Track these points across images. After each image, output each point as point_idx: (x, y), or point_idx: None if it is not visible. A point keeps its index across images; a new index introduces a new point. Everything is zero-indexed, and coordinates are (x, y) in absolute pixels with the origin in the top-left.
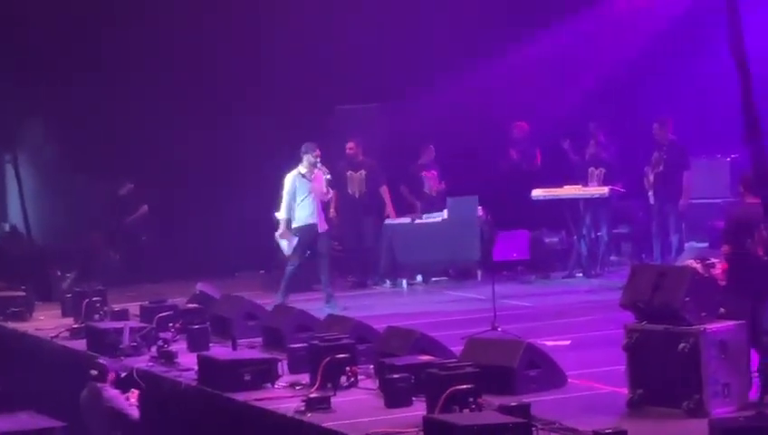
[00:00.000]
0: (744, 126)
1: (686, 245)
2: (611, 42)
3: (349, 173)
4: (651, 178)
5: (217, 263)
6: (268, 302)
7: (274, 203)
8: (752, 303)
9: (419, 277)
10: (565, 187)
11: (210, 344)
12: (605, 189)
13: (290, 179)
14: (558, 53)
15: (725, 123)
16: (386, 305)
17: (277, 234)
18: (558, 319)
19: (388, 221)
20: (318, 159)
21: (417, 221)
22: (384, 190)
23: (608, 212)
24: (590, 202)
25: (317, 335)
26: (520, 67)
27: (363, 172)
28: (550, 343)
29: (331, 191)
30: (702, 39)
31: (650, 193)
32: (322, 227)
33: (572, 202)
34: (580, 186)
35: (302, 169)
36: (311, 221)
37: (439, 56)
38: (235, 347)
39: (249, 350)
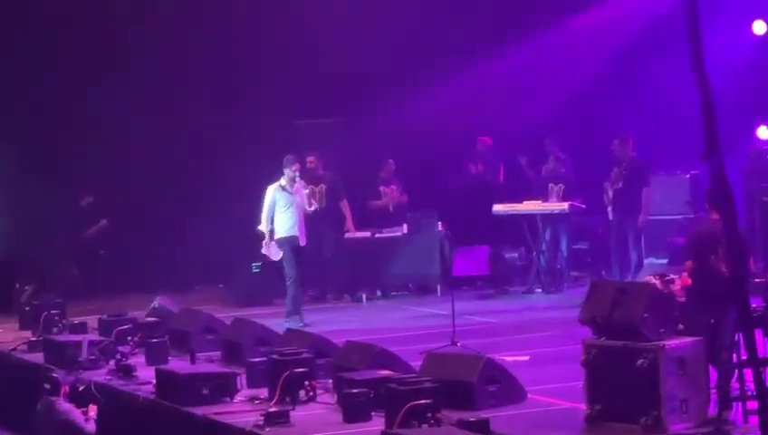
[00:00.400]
0: (704, 142)
1: (646, 261)
2: (571, 58)
3: (309, 187)
4: (610, 193)
5: (176, 276)
6: (227, 315)
7: (235, 216)
8: (713, 319)
9: (379, 292)
10: (525, 202)
11: (169, 358)
12: (565, 205)
13: (270, 192)
14: (519, 69)
15: (685, 139)
16: (345, 320)
17: (264, 244)
18: (517, 334)
19: (347, 235)
20: (297, 174)
21: (377, 235)
22: (344, 205)
23: (567, 228)
24: (550, 218)
25: (276, 349)
26: (481, 82)
27: (323, 186)
28: (509, 359)
29: (314, 204)
30: (662, 55)
31: (609, 209)
32: (303, 241)
33: (532, 217)
34: (540, 201)
35: (282, 181)
36: (293, 233)
37: (400, 71)
38: (193, 361)
39: (208, 364)
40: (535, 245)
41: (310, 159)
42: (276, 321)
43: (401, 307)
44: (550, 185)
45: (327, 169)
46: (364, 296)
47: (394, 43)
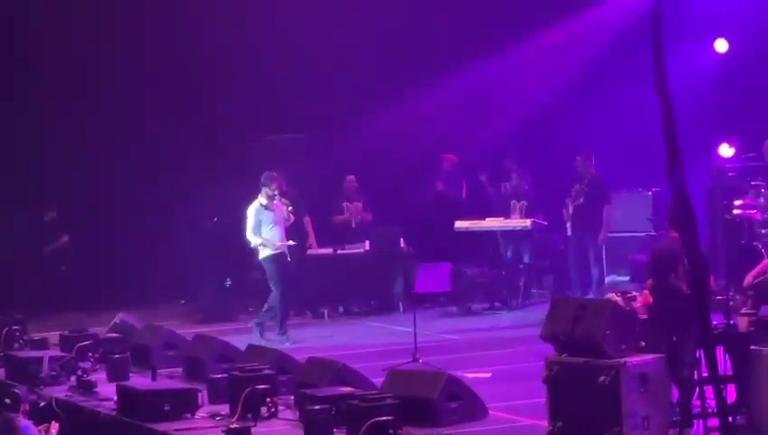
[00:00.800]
0: (666, 159)
1: (608, 278)
2: (535, 75)
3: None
4: (570, 209)
5: (139, 292)
6: (189, 331)
7: (196, 232)
8: (674, 336)
9: (341, 308)
10: (487, 219)
11: (130, 374)
12: (527, 222)
13: (252, 212)
14: (484, 87)
15: (648, 157)
16: (307, 336)
17: (262, 257)
18: (479, 351)
19: (310, 251)
20: (276, 192)
21: (340, 252)
22: (306, 221)
23: (529, 244)
24: (512, 234)
25: (238, 366)
26: (446, 99)
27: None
28: (471, 375)
29: (292, 217)
30: (625, 71)
31: (568, 224)
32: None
33: (494, 234)
34: (502, 218)
35: (261, 200)
36: (280, 250)
37: (365, 87)
38: (155, 377)
39: (169, 380)
40: (498, 261)
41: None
42: (238, 337)
43: (363, 324)
44: (512, 202)
45: (290, 184)
46: (326, 313)
47: (358, 59)
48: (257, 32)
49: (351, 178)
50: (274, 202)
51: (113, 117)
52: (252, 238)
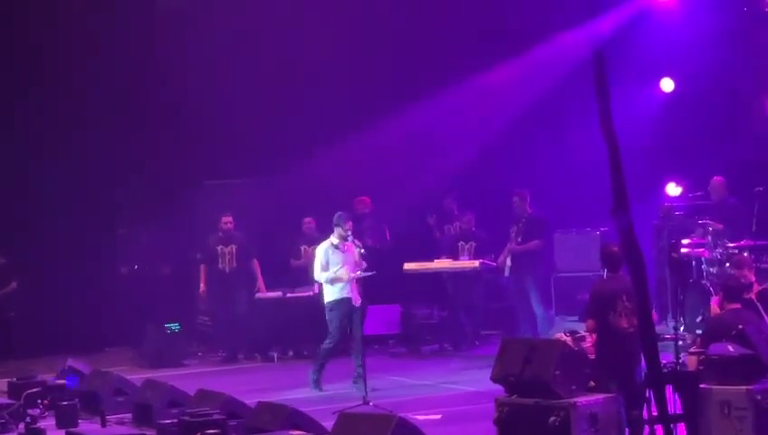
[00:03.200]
0: (613, 200)
1: (557, 318)
2: (480, 116)
3: (220, 247)
4: (507, 250)
5: (87, 338)
6: (138, 377)
7: (146, 277)
8: (620, 375)
9: (291, 352)
10: (436, 260)
11: (79, 421)
12: (476, 263)
13: (322, 250)
14: (428, 127)
15: (596, 197)
16: (257, 380)
17: (326, 301)
18: (429, 393)
19: (259, 295)
20: (349, 232)
21: (289, 295)
22: (255, 264)
23: (479, 286)
24: (461, 276)
25: (187, 411)
26: (389, 142)
27: (234, 247)
28: (421, 417)
29: (364, 263)
30: (573, 112)
31: (507, 266)
32: (356, 301)
33: (443, 276)
34: (450, 260)
35: (333, 239)
36: (345, 295)
37: (311, 131)
38: (104, 423)
39: (118, 426)
40: (447, 303)
41: (227, 219)
42: (188, 382)
43: None
44: (460, 243)
45: (237, 229)
46: (276, 356)
47: (302, 103)
48: (208, 77)
49: (309, 220)
50: (347, 243)
51: (66, 163)
52: (320, 276)
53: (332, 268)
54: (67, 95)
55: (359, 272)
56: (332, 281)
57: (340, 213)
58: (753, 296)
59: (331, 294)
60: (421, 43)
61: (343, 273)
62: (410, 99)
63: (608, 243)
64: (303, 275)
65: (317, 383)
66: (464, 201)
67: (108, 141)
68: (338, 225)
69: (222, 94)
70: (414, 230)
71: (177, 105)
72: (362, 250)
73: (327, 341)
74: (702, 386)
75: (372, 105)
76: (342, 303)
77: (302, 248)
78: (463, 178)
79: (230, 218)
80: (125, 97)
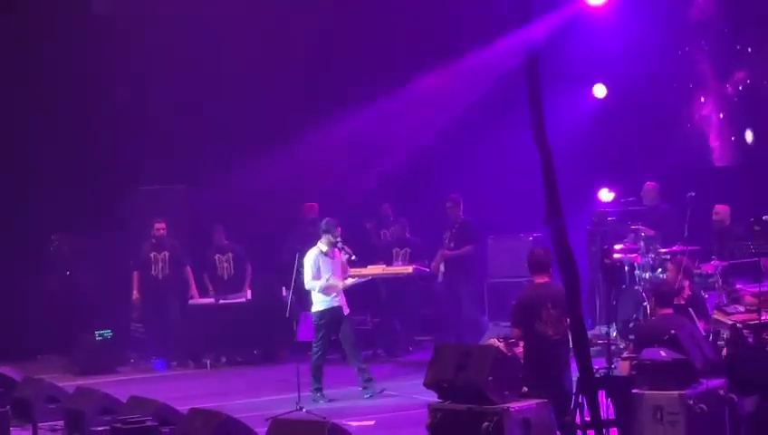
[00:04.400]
0: (546, 207)
1: (489, 323)
2: (416, 122)
3: (153, 254)
4: (440, 256)
5: (18, 345)
6: (70, 384)
7: (77, 284)
8: (548, 383)
9: (224, 358)
10: (369, 266)
11: (10, 429)
12: (409, 268)
13: (311, 257)
14: (361, 134)
15: (529, 203)
16: (190, 386)
17: (314, 310)
18: (362, 399)
19: (191, 301)
20: (339, 239)
21: (222, 302)
22: (187, 271)
23: (412, 291)
24: (395, 281)
25: (119, 418)
26: (323, 148)
27: (167, 253)
28: (355, 424)
29: (349, 270)
30: (504, 119)
31: (440, 271)
32: (346, 310)
33: (377, 282)
34: (383, 265)
35: (322, 247)
36: (335, 304)
37: (249, 134)
38: (35, 431)
39: (50, 434)
40: (380, 308)
41: (160, 225)
42: (121, 389)
43: (246, 373)
44: (395, 249)
45: (170, 235)
46: (209, 363)
47: (241, 106)
48: (134, 81)
49: (220, 228)
50: (335, 250)
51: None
52: (311, 285)
53: (324, 276)
54: (12, 104)
55: (355, 279)
56: (325, 290)
57: (328, 219)
58: (683, 301)
59: (321, 303)
60: (355, 49)
61: (336, 281)
62: (347, 105)
63: (536, 248)
64: (221, 285)
65: (321, 394)
66: (400, 207)
67: (40, 147)
68: (327, 231)
69: (155, 99)
70: (352, 235)
71: (108, 111)
72: (353, 256)
73: (314, 351)
74: (634, 391)
75: (312, 111)
76: (332, 312)
77: (216, 257)
78: (399, 185)
79: (163, 225)
80: (53, 102)
